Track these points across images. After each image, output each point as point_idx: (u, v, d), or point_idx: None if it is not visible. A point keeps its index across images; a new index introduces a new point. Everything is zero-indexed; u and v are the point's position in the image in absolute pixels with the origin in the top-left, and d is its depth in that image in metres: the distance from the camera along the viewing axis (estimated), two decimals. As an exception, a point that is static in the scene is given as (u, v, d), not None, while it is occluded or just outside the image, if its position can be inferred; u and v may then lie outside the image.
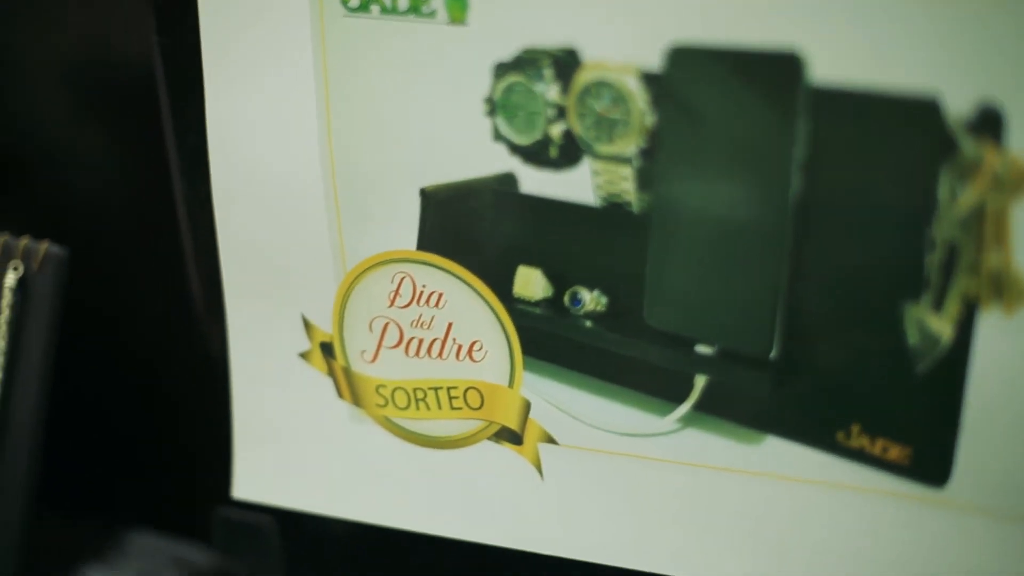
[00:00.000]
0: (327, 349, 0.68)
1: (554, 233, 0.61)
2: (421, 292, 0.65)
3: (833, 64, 0.54)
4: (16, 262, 0.75)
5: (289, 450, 0.70)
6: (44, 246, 0.75)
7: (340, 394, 0.69)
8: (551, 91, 0.59)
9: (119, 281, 0.84)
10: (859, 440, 0.61)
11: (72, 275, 0.75)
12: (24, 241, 0.76)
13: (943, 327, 0.56)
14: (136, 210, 0.83)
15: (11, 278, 0.75)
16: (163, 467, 0.82)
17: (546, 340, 0.64)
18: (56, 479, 0.78)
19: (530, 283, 0.63)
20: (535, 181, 0.61)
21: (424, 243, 0.64)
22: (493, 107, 0.60)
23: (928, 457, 0.59)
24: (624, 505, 0.65)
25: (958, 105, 0.53)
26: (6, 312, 0.75)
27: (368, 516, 0.70)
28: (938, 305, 0.56)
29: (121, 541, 0.53)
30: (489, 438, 0.67)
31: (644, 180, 0.59)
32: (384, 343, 0.67)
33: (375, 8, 0.61)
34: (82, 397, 0.82)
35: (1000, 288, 0.55)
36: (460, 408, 0.66)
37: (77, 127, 0.83)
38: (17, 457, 0.74)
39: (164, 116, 0.67)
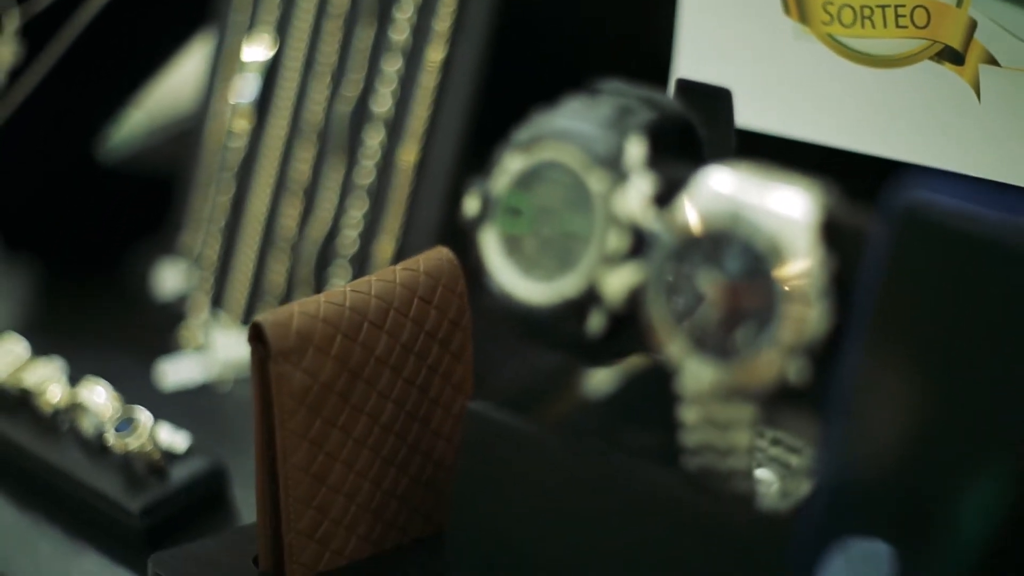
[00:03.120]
0: (787, -35, 0.71)
1: None
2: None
3: None
4: None
5: (730, 65, 0.74)
6: None
7: (787, 11, 0.71)
8: None
9: None
10: None
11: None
12: None
13: None
14: None
15: None
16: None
17: (1002, -45, 0.65)
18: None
19: None
20: None
21: None
22: None
23: None
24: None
25: None
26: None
27: (802, 132, 0.73)
28: None
29: (594, 85, 0.58)
30: (930, 58, 0.69)
31: None
32: (836, -43, 0.69)
33: None
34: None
35: None
36: (906, 27, 0.68)
37: None
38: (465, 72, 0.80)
39: None
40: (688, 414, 0.55)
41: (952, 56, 0.68)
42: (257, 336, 0.62)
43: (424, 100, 0.80)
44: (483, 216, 0.57)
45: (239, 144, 0.87)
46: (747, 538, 0.54)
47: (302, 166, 0.84)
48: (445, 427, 0.68)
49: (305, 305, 0.63)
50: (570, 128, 0.56)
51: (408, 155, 0.80)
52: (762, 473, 0.59)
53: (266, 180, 0.86)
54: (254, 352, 0.62)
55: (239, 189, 0.87)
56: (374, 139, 0.82)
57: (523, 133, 0.57)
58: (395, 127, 0.81)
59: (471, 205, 0.58)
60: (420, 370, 0.66)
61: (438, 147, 0.80)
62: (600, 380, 0.78)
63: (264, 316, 0.62)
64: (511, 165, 0.57)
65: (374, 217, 0.82)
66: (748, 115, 0.73)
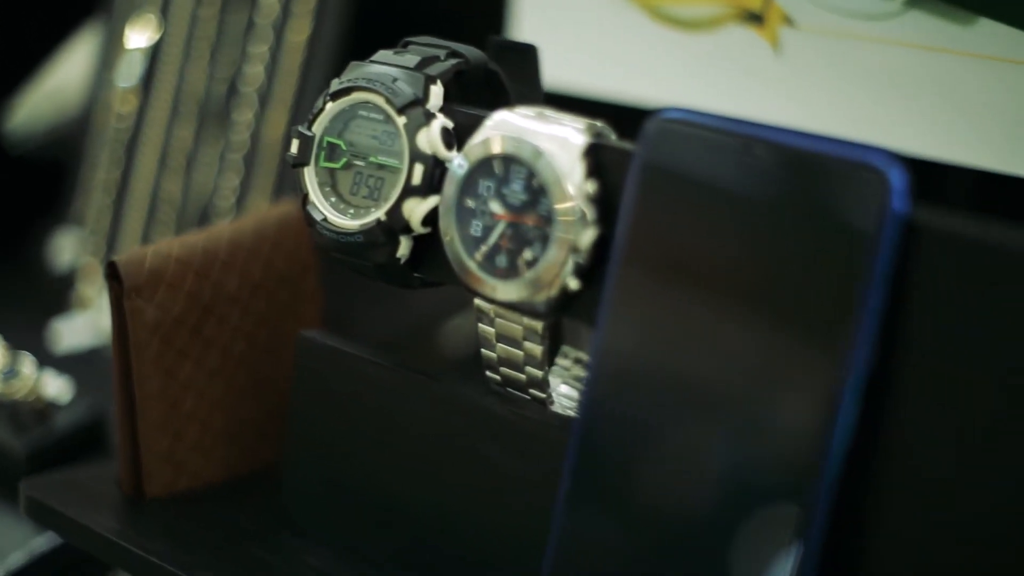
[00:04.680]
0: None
1: None
2: None
3: None
4: None
5: (562, 33, 0.81)
6: None
7: (611, -17, 0.79)
8: None
9: None
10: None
11: None
12: None
13: None
14: None
15: None
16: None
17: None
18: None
19: None
20: None
21: None
22: None
23: None
24: (850, 83, 0.73)
25: None
26: None
27: (625, 93, 0.80)
28: None
29: (406, 40, 0.64)
30: (736, 21, 0.75)
31: None
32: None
33: None
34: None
35: None
36: (714, -5, 0.75)
37: None
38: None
39: None
40: (486, 330, 0.62)
41: (755, 19, 0.75)
42: (113, 274, 0.68)
43: (291, 76, 0.87)
44: (305, 155, 0.64)
45: (127, 123, 0.94)
46: (541, 439, 0.60)
47: (184, 141, 0.91)
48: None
49: (159, 246, 0.70)
50: (380, 73, 0.63)
51: (277, 127, 0.87)
52: (565, 389, 0.66)
53: (152, 154, 0.92)
54: (111, 289, 0.68)
55: (128, 163, 0.94)
56: (247, 114, 0.88)
57: (339, 80, 0.64)
58: (265, 102, 0.88)
59: (293, 146, 0.64)
60: (271, 308, 0.73)
61: (304, 118, 0.86)
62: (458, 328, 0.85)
63: (119, 256, 0.68)
64: (329, 108, 0.64)
65: (249, 183, 0.88)
66: (577, 77, 0.80)
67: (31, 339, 0.90)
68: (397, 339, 0.84)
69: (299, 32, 0.87)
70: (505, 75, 0.65)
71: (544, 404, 0.62)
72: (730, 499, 0.53)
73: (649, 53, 0.79)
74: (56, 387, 0.82)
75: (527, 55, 0.67)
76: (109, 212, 0.95)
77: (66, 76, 1.06)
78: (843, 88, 0.73)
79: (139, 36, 0.94)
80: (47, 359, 0.88)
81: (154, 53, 0.93)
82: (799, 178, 0.52)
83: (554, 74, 0.79)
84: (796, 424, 0.52)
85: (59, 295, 0.94)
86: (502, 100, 0.64)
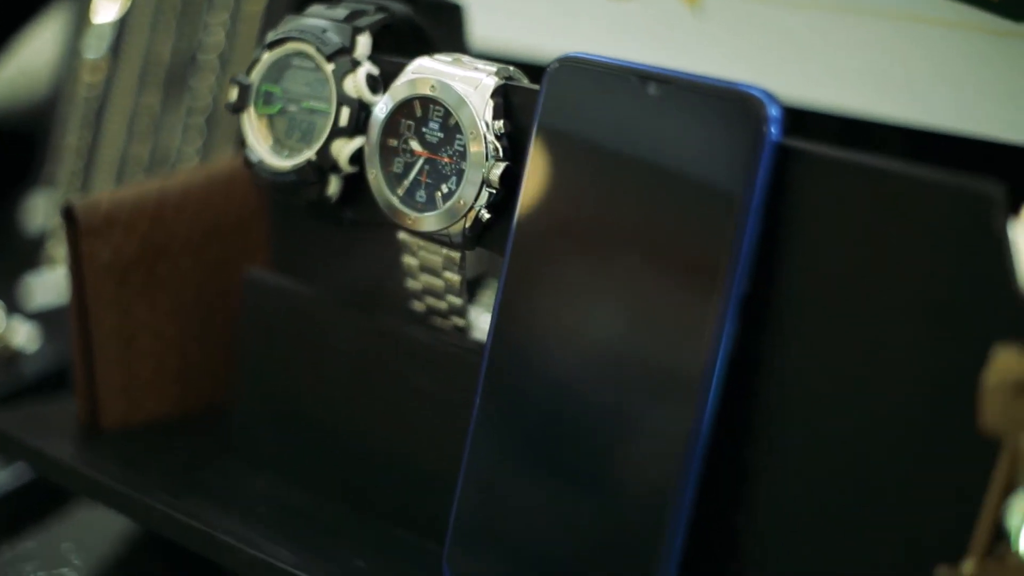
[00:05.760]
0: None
1: None
2: None
3: None
4: None
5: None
6: None
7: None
8: None
9: None
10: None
11: None
12: None
13: None
14: None
15: None
16: None
17: None
18: None
19: None
20: None
21: None
22: None
23: None
24: (766, 43, 0.78)
25: None
26: None
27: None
28: None
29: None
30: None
31: None
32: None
33: None
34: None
35: None
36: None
37: None
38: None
39: None
40: (410, 262, 0.66)
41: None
42: (69, 217, 0.73)
43: (249, 44, 0.92)
44: (243, 101, 0.69)
45: (96, 91, 0.99)
46: (461, 363, 0.65)
47: (150, 107, 0.96)
48: (246, 307, 0.78)
49: (116, 192, 0.74)
50: (311, 25, 0.68)
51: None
52: (487, 318, 0.70)
53: (120, 120, 0.98)
54: (68, 232, 0.73)
55: (97, 129, 0.99)
56: (209, 79, 0.94)
57: (274, 32, 0.69)
58: (225, 68, 0.93)
59: (232, 94, 0.69)
60: (222, 253, 0.77)
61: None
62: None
63: (77, 200, 0.73)
64: (265, 58, 0.68)
65: (210, 146, 0.94)
66: (513, 39, 0.85)
67: (3, 296, 0.95)
68: (348, 284, 0.88)
69: (256, 3, 0.92)
70: (433, 31, 0.70)
71: (464, 332, 0.67)
72: (623, 414, 0.57)
73: (579, 17, 0.84)
74: (24, 336, 0.87)
75: (454, 14, 0.72)
76: (80, 175, 1.00)
77: (38, 50, 1.11)
78: (759, 47, 0.78)
79: (107, 9, 0.99)
80: (18, 311, 0.92)
81: (121, 25, 0.98)
82: (684, 110, 0.57)
83: (493, 36, 0.84)
84: (681, 342, 0.56)
85: (32, 255, 0.99)
86: (425, 50, 0.69)
